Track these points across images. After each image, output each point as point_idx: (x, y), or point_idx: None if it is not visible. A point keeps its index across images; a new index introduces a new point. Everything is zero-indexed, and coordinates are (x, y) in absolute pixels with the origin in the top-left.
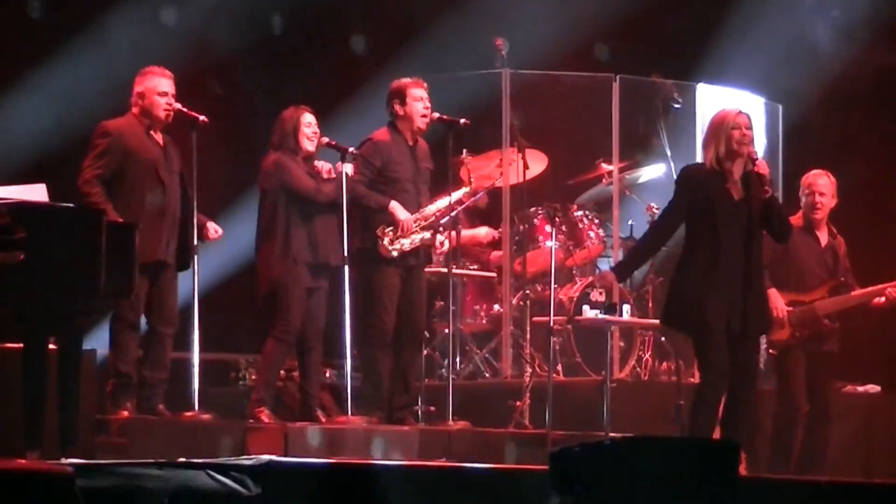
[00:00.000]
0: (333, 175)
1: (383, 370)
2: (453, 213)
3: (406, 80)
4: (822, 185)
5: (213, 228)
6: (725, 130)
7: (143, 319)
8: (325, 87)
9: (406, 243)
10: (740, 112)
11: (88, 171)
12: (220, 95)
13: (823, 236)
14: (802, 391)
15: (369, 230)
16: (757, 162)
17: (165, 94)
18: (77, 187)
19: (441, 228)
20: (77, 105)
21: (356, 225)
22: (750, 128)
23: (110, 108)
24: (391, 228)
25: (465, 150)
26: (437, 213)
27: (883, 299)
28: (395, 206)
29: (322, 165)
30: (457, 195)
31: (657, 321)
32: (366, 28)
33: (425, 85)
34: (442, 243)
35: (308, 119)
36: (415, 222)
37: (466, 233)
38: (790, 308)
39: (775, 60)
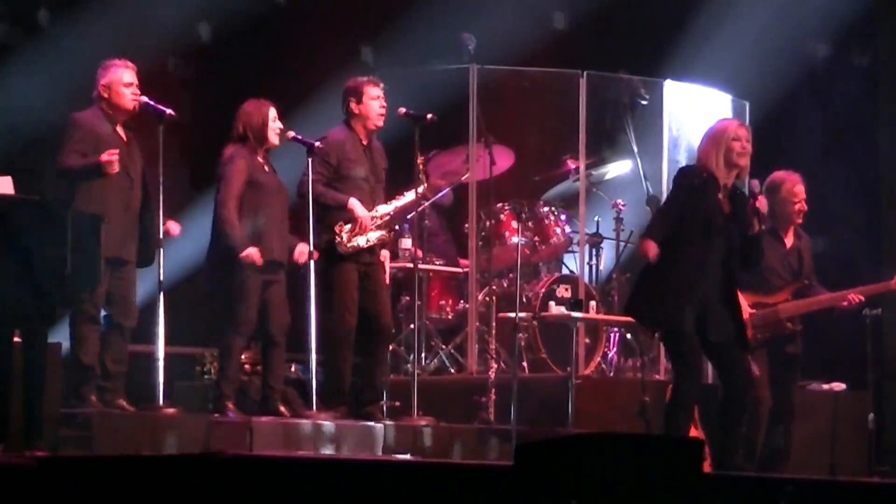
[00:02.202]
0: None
1: (345, 366)
2: (419, 209)
3: (362, 79)
4: (799, 192)
5: (172, 228)
6: (726, 141)
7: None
8: (289, 81)
9: (363, 241)
10: (742, 124)
11: (66, 153)
12: (182, 89)
13: (789, 238)
14: (766, 389)
15: (326, 227)
16: (759, 197)
17: (130, 84)
18: (57, 167)
19: (406, 227)
20: (43, 99)
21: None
22: (749, 141)
23: (75, 102)
24: (349, 225)
25: (418, 152)
26: (395, 211)
27: (846, 303)
28: (354, 204)
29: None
30: (409, 195)
31: (623, 317)
32: (331, 22)
33: (381, 84)
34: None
35: (274, 114)
36: (371, 220)
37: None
38: (753, 310)
39: (742, 57)
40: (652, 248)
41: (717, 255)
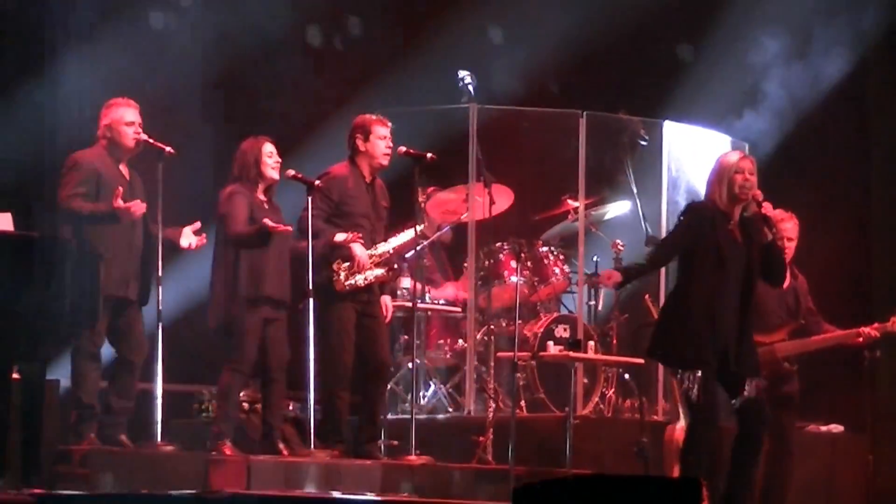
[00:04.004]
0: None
1: (341, 405)
2: (418, 248)
3: (371, 117)
4: (788, 229)
5: (189, 241)
6: (728, 174)
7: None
8: (292, 119)
9: (360, 279)
10: (745, 156)
11: (69, 195)
12: (184, 127)
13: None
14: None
15: (324, 265)
16: (764, 204)
17: (132, 123)
18: (60, 208)
19: (405, 265)
20: (42, 135)
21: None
22: (753, 173)
23: (76, 138)
24: (347, 264)
25: (419, 189)
26: (394, 249)
27: (860, 339)
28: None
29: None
30: (408, 234)
31: (621, 358)
32: (333, 60)
33: (389, 124)
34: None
35: (269, 149)
36: (370, 259)
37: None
38: None
39: (741, 99)
40: (614, 276)
41: (731, 286)
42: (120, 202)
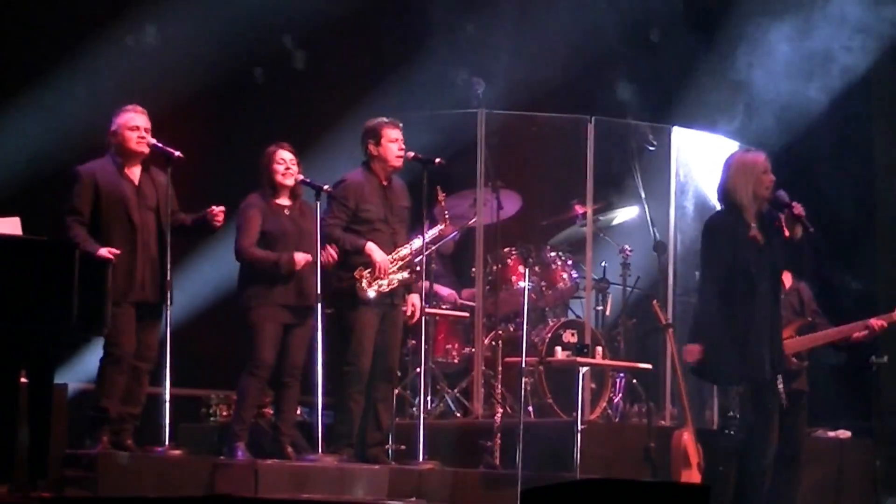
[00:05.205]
0: None
1: (357, 410)
2: (427, 252)
3: (382, 120)
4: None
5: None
6: (757, 175)
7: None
8: (302, 123)
9: (384, 284)
10: (766, 156)
11: (68, 219)
12: (202, 130)
13: (787, 279)
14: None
15: (348, 270)
16: (794, 205)
17: (136, 128)
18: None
19: (413, 272)
20: (52, 139)
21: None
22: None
23: (86, 143)
24: (369, 270)
25: (438, 188)
26: (413, 252)
27: (865, 332)
28: (372, 248)
29: None
30: (431, 233)
31: (629, 363)
32: (342, 65)
33: (400, 125)
34: (413, 313)
35: (282, 156)
36: (391, 263)
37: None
38: None
39: (749, 104)
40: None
41: (766, 290)
42: (103, 251)
